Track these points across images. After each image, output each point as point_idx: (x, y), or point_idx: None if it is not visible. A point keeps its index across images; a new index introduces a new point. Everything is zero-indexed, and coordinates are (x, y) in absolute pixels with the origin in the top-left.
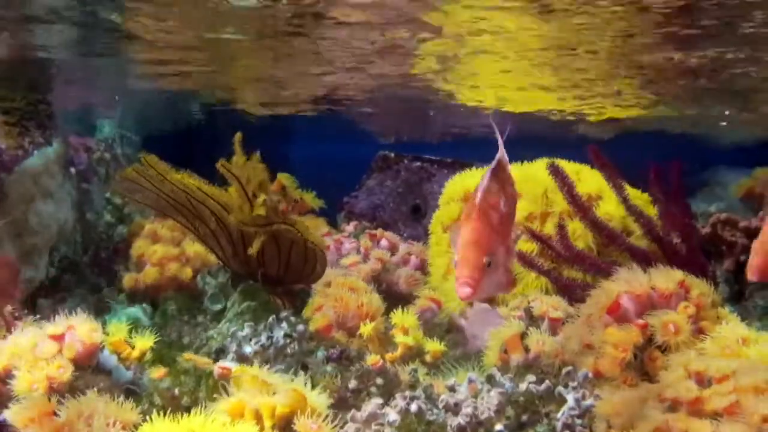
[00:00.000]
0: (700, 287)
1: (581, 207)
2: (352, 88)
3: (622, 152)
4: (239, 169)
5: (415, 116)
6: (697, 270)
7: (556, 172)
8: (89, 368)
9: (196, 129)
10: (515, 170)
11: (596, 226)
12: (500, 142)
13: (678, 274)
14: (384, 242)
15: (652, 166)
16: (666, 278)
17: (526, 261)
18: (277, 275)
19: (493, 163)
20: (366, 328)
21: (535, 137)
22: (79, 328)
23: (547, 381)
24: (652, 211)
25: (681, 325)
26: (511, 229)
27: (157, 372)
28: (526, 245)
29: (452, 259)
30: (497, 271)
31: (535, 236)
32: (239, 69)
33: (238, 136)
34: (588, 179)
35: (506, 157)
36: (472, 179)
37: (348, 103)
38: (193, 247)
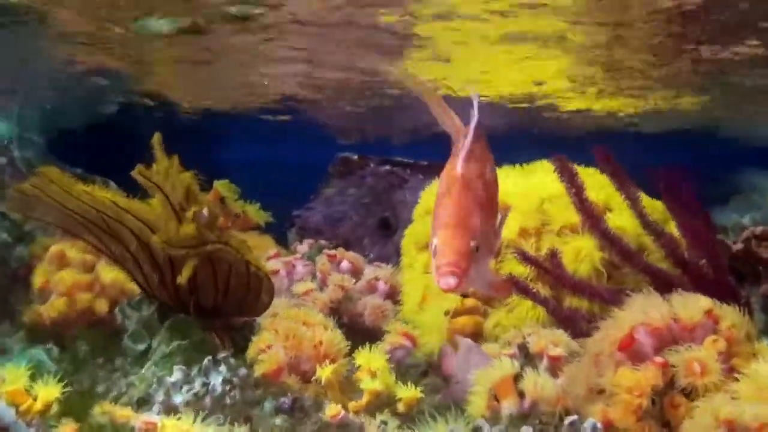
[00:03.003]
0: (731, 317)
1: (592, 216)
2: (305, 79)
3: (631, 153)
4: (162, 177)
5: (382, 111)
6: (727, 296)
7: (563, 170)
8: None
9: (114, 127)
10: (505, 175)
11: (608, 240)
12: (475, 103)
13: (705, 302)
14: (345, 265)
15: (663, 172)
16: (690, 306)
17: (519, 288)
18: (213, 307)
19: (473, 124)
20: (324, 372)
21: (530, 135)
22: None
23: None
24: (673, 227)
25: (709, 364)
26: (497, 206)
27: (66, 428)
28: (517, 267)
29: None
30: (486, 258)
31: (528, 260)
32: (166, 53)
33: (156, 136)
34: (594, 186)
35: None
36: None
37: (301, 97)
38: (110, 274)
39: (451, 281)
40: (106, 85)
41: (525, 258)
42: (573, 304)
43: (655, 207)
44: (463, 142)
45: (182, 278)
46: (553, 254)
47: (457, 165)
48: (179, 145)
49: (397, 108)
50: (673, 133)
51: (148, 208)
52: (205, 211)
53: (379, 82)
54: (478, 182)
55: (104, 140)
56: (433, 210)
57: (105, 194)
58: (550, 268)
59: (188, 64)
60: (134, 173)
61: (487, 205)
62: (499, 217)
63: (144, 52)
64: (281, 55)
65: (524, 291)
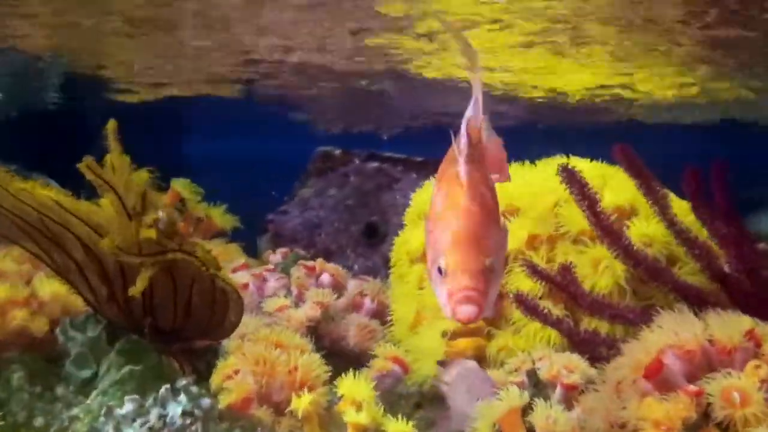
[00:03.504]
0: None
1: (609, 231)
2: (278, 60)
3: (656, 149)
4: (116, 174)
5: (369, 98)
6: None
7: (571, 179)
8: None
9: (57, 115)
10: (514, 173)
11: (631, 257)
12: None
13: (746, 322)
14: (326, 278)
15: (688, 172)
16: (728, 327)
17: (528, 308)
18: (172, 327)
19: (468, 115)
20: (301, 402)
21: (545, 127)
22: None
23: None
24: (704, 233)
25: (749, 393)
26: (499, 213)
27: None
28: (525, 282)
29: (426, 267)
30: (499, 279)
31: (538, 274)
32: (112, 25)
33: (111, 124)
34: (618, 187)
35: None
36: None
37: (274, 80)
38: (50, 287)
39: (471, 310)
40: (42, 67)
41: (534, 272)
42: (591, 325)
43: (689, 211)
44: (459, 141)
45: (135, 290)
46: (566, 268)
47: (461, 170)
48: (132, 135)
49: (387, 93)
50: (704, 126)
51: (98, 211)
52: (162, 215)
53: (363, 62)
54: (484, 189)
55: (43, 132)
56: (429, 220)
57: (47, 193)
58: (563, 283)
59: (141, 40)
60: (81, 167)
61: (494, 215)
62: (503, 234)
63: (86, 27)
64: (251, 29)
65: (533, 312)
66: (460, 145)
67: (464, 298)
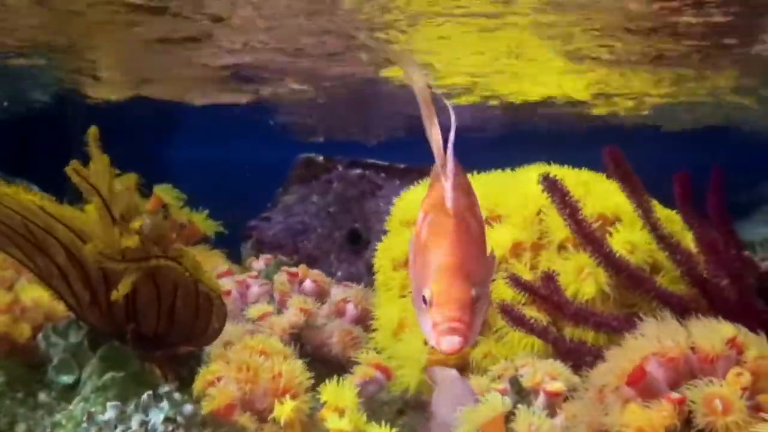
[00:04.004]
0: (758, 347)
1: (591, 239)
2: (262, 65)
3: (646, 153)
4: (101, 178)
5: (354, 105)
6: (753, 322)
7: (552, 188)
8: None
9: (39, 119)
10: (497, 180)
11: (613, 265)
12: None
13: (728, 329)
14: (309, 284)
15: (678, 177)
16: (711, 334)
17: (514, 318)
18: (155, 333)
19: (450, 144)
20: (283, 409)
21: (528, 133)
22: None
23: None
24: (691, 241)
25: (731, 401)
26: (486, 242)
27: None
28: (508, 291)
29: (412, 295)
30: (484, 308)
31: (520, 286)
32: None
33: (92, 131)
34: (600, 194)
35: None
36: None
37: (258, 85)
38: (32, 293)
39: (456, 341)
40: (24, 69)
41: (517, 284)
42: (575, 335)
43: (673, 218)
44: (447, 168)
45: (118, 294)
46: (549, 277)
47: (447, 198)
48: (114, 140)
49: (371, 100)
50: (689, 132)
51: (81, 216)
52: (146, 220)
53: (346, 68)
54: (470, 217)
55: (25, 137)
56: (409, 223)
57: (32, 197)
58: (546, 294)
59: (120, 41)
60: (68, 170)
61: (481, 245)
62: (490, 262)
63: (70, 26)
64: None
65: (519, 322)
66: (447, 171)
67: (449, 329)
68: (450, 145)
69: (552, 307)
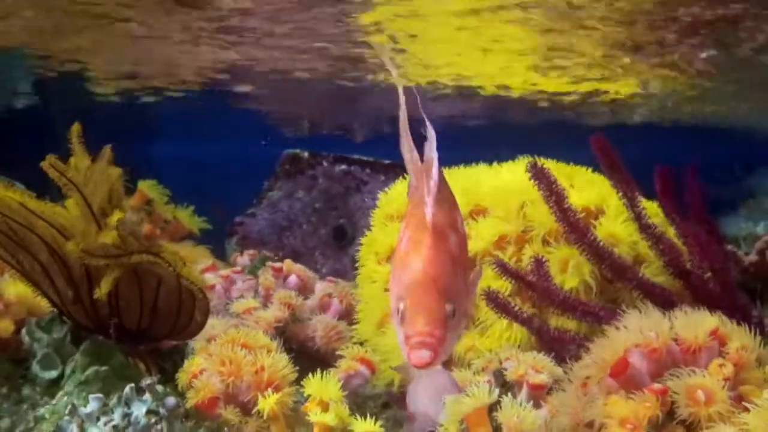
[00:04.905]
0: (740, 338)
1: (575, 227)
2: (248, 61)
3: (629, 151)
4: (81, 174)
5: (339, 101)
6: (736, 314)
7: (539, 176)
8: None
9: (22, 113)
10: (479, 174)
11: (597, 254)
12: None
13: (710, 321)
14: (293, 279)
15: (659, 171)
16: (693, 326)
17: (499, 305)
18: (138, 328)
19: (435, 162)
20: (267, 403)
21: (511, 128)
22: None
23: None
24: (674, 234)
25: (714, 391)
26: (467, 259)
27: None
28: (494, 282)
29: (390, 306)
30: (461, 324)
31: (508, 272)
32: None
33: (75, 127)
34: (585, 187)
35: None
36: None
37: (241, 81)
38: (15, 288)
39: (425, 355)
40: (10, 58)
41: (504, 270)
42: (560, 324)
43: (656, 212)
44: (428, 183)
45: (101, 291)
46: (539, 262)
47: (426, 212)
48: (98, 135)
49: (357, 95)
50: (673, 127)
51: (62, 212)
52: (128, 218)
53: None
54: (450, 232)
55: (9, 130)
56: (394, 218)
57: (11, 194)
58: (534, 280)
59: (107, 36)
60: (44, 165)
61: (460, 259)
62: (473, 276)
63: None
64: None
65: (504, 309)
66: (429, 185)
67: (419, 343)
68: (435, 158)
69: (540, 293)
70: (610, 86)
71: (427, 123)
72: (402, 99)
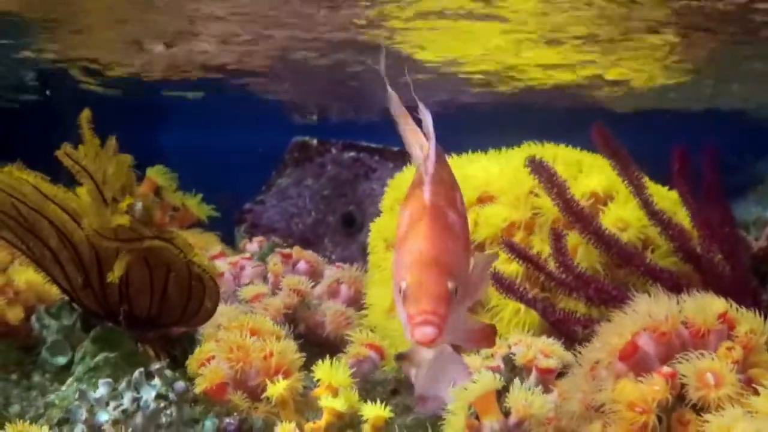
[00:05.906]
0: (749, 322)
1: (580, 217)
2: (253, 45)
3: (640, 135)
4: (93, 161)
5: (348, 85)
6: (746, 298)
7: (538, 169)
8: None
9: (31, 101)
10: (487, 160)
11: (603, 241)
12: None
13: (719, 304)
14: (302, 266)
15: (677, 151)
16: (702, 309)
17: (505, 287)
18: (148, 314)
19: (432, 143)
20: (276, 388)
21: (520, 111)
22: None
23: None
24: (683, 217)
25: (723, 375)
26: (469, 237)
27: None
28: (506, 265)
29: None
30: (465, 302)
31: (518, 254)
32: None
33: (85, 113)
34: (592, 172)
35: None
36: None
37: (249, 67)
38: (25, 275)
39: (429, 332)
40: (8, 44)
41: (513, 250)
42: (568, 306)
43: (664, 195)
44: (426, 165)
45: (114, 275)
46: (558, 236)
47: (425, 190)
48: (107, 123)
49: (364, 82)
50: (681, 113)
51: (74, 198)
52: (138, 204)
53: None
54: (450, 211)
55: (19, 117)
56: (396, 240)
57: (24, 176)
58: (550, 256)
59: (110, 25)
60: (59, 154)
61: (461, 238)
62: (484, 260)
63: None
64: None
65: (509, 290)
66: (427, 165)
67: (423, 321)
68: (432, 139)
69: (551, 273)
70: (621, 71)
71: (420, 104)
72: (390, 92)
